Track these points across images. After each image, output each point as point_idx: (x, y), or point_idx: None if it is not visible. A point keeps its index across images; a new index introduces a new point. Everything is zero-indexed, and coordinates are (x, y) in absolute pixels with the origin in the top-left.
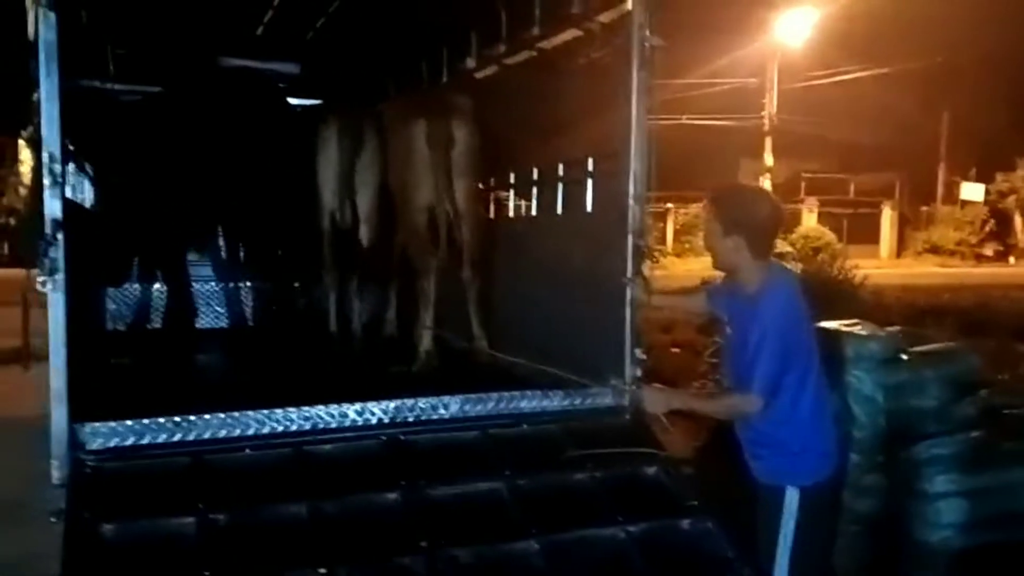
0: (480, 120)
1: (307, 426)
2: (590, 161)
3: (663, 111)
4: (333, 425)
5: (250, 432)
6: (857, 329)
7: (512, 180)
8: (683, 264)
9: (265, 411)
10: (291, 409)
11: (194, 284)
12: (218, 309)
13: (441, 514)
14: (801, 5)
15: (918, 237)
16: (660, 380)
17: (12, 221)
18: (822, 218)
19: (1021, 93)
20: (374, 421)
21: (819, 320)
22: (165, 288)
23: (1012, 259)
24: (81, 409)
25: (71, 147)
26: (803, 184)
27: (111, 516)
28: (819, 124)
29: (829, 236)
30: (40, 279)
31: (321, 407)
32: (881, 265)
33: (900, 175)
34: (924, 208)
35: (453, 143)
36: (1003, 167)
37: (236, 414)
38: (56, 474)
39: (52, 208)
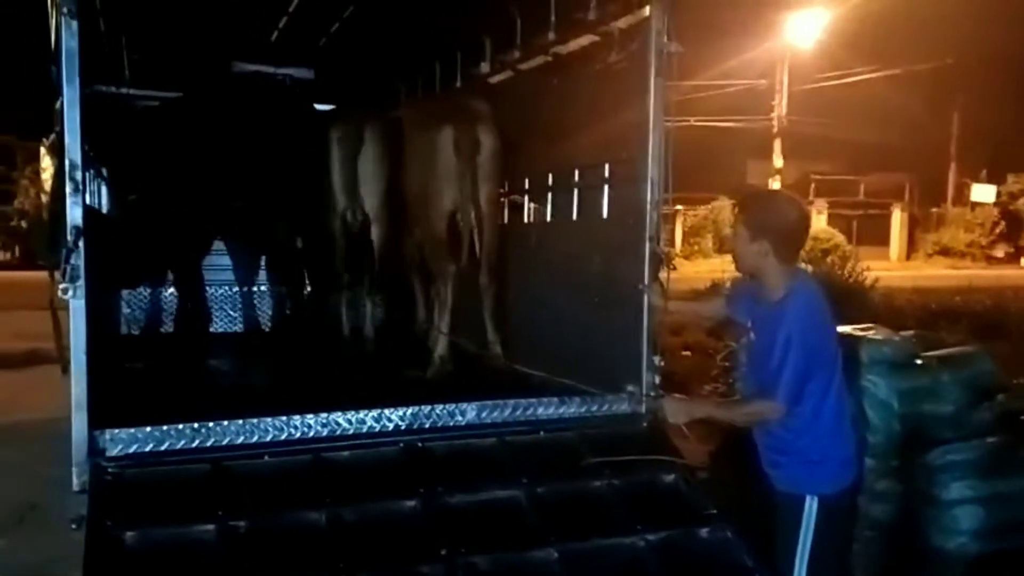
0: (499, 125)
1: (325, 432)
2: (606, 166)
3: (672, 113)
4: (351, 431)
5: (268, 438)
6: (871, 333)
7: (527, 185)
8: (692, 266)
9: (284, 417)
10: (309, 415)
11: (209, 288)
12: (233, 313)
13: (459, 521)
14: (811, 6)
15: (928, 239)
16: (671, 383)
17: (24, 224)
18: (832, 220)
19: None
20: (391, 427)
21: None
22: (179, 293)
23: (1023, 260)
24: (101, 415)
25: (89, 152)
26: (812, 186)
27: (133, 523)
28: (829, 125)
29: (839, 238)
30: (62, 286)
31: (339, 413)
32: (891, 267)
33: (910, 176)
34: (934, 210)
35: (479, 148)
36: (1014, 168)
37: (255, 420)
38: (76, 480)
39: (73, 215)
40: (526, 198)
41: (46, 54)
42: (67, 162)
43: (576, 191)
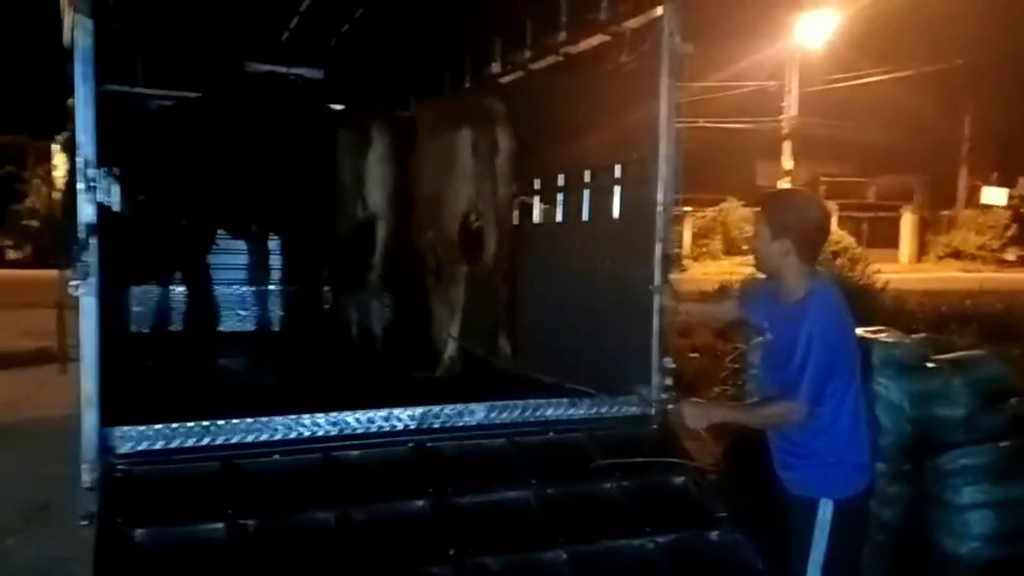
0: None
1: (334, 432)
2: (617, 167)
3: (682, 114)
4: (360, 431)
5: (278, 437)
6: (882, 336)
7: (537, 186)
8: (700, 268)
9: (293, 416)
10: (319, 415)
11: (219, 287)
12: (242, 312)
13: (468, 522)
14: (821, 7)
15: (939, 241)
16: (680, 385)
17: (35, 223)
18: (841, 222)
19: None
20: (400, 427)
21: None
22: (188, 291)
23: None
24: (111, 413)
25: (101, 150)
26: (822, 187)
27: (142, 521)
28: (839, 127)
29: (848, 240)
30: (73, 282)
31: (348, 413)
32: (901, 270)
33: (920, 178)
34: (945, 212)
35: (497, 150)
36: None
37: (264, 419)
38: (86, 477)
39: (85, 212)
40: (535, 199)
41: (59, 53)
42: (80, 160)
43: (586, 192)
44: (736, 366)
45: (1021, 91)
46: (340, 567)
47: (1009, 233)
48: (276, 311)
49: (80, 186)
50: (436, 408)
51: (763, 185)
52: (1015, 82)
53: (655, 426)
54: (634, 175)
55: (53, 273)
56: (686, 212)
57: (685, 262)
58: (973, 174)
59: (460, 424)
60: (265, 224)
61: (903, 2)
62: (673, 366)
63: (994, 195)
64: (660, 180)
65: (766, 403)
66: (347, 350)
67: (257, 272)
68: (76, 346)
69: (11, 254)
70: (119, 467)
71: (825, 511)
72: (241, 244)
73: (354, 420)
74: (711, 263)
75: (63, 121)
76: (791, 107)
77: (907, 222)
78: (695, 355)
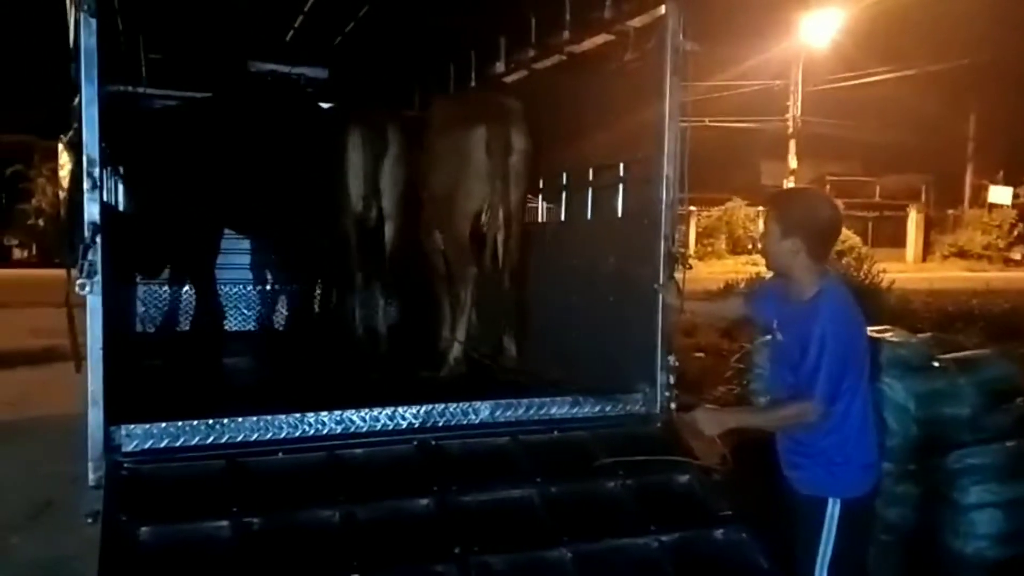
0: None
1: (339, 430)
2: (621, 166)
3: (687, 112)
4: (365, 429)
5: (283, 435)
6: (888, 335)
7: (542, 185)
8: (705, 267)
9: (298, 415)
10: (324, 413)
11: (225, 287)
12: (247, 312)
13: (473, 520)
14: (826, 6)
15: (945, 241)
16: (685, 385)
17: (41, 222)
18: (847, 221)
19: None
20: (405, 426)
21: None
22: (193, 290)
23: None
24: (117, 411)
25: (106, 150)
26: (827, 187)
27: (148, 518)
28: (844, 126)
29: (854, 239)
30: (79, 282)
31: (353, 411)
32: (907, 269)
33: (926, 178)
34: (951, 211)
35: (511, 149)
36: None
37: (269, 417)
38: (92, 476)
39: (91, 211)
40: (539, 197)
41: (64, 53)
42: (85, 159)
43: (591, 190)
44: (741, 366)
45: None
46: (344, 565)
47: (1015, 232)
48: (281, 310)
49: (85, 185)
50: (441, 406)
51: (768, 184)
52: (1021, 81)
53: (659, 425)
54: (639, 173)
55: (58, 272)
56: (691, 211)
57: (690, 261)
58: (979, 173)
59: (465, 422)
60: (269, 223)
61: (908, 1)
62: (677, 364)
63: (1000, 194)
64: (665, 178)
65: (780, 405)
66: (352, 349)
67: (262, 271)
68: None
69: (17, 253)
70: (125, 465)
71: (833, 511)
72: (245, 243)
73: (359, 418)
74: (716, 262)
75: (69, 121)
76: (796, 106)
77: (913, 221)
78: (700, 355)
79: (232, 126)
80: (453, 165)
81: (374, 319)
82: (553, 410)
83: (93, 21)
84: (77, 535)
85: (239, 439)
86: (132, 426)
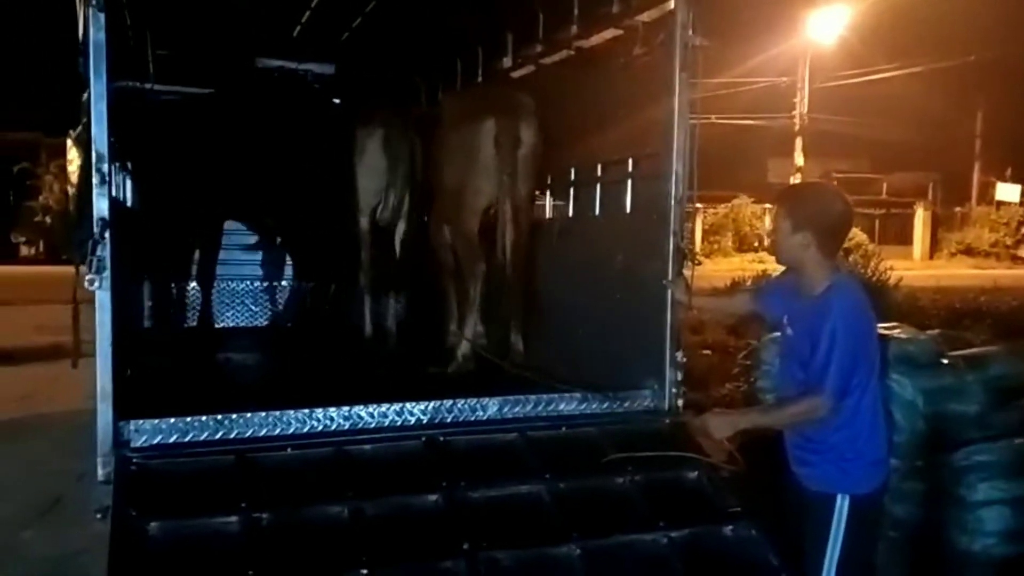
0: None
1: (347, 426)
2: (630, 162)
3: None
4: (373, 425)
5: (291, 431)
6: (896, 332)
7: (550, 181)
8: (712, 264)
9: (306, 410)
10: (332, 409)
11: (233, 283)
12: (256, 308)
13: (481, 516)
14: (833, 3)
15: (952, 238)
16: (691, 382)
17: (48, 219)
18: (854, 218)
19: None
20: (413, 421)
21: None
22: (201, 287)
23: None
24: (125, 406)
25: (115, 145)
26: (834, 184)
27: (157, 514)
28: (851, 123)
29: (861, 237)
30: (88, 277)
31: (361, 407)
32: (914, 266)
33: (933, 175)
34: (958, 209)
35: (520, 144)
36: None
37: (278, 413)
38: (101, 471)
39: (100, 207)
40: (548, 193)
41: (73, 49)
42: (94, 154)
43: (599, 186)
44: (748, 363)
45: None
46: (353, 561)
47: (1023, 230)
48: (290, 306)
49: (94, 180)
50: (449, 403)
51: (774, 182)
52: None
53: (668, 421)
54: (648, 170)
55: (66, 269)
56: (698, 208)
57: (698, 258)
58: (986, 170)
59: (473, 418)
60: (278, 220)
61: None
62: (684, 360)
63: (1008, 191)
64: (674, 175)
65: (790, 402)
66: (360, 345)
67: (270, 268)
68: (92, 341)
69: (24, 250)
70: (134, 460)
71: (842, 507)
72: (254, 240)
73: (367, 414)
74: (722, 260)
75: (77, 117)
76: (803, 103)
77: (920, 219)
78: (707, 352)
79: (241, 122)
80: (462, 160)
81: (383, 315)
82: (561, 406)
83: (102, 16)
84: (86, 530)
85: (248, 434)
86: (141, 421)
